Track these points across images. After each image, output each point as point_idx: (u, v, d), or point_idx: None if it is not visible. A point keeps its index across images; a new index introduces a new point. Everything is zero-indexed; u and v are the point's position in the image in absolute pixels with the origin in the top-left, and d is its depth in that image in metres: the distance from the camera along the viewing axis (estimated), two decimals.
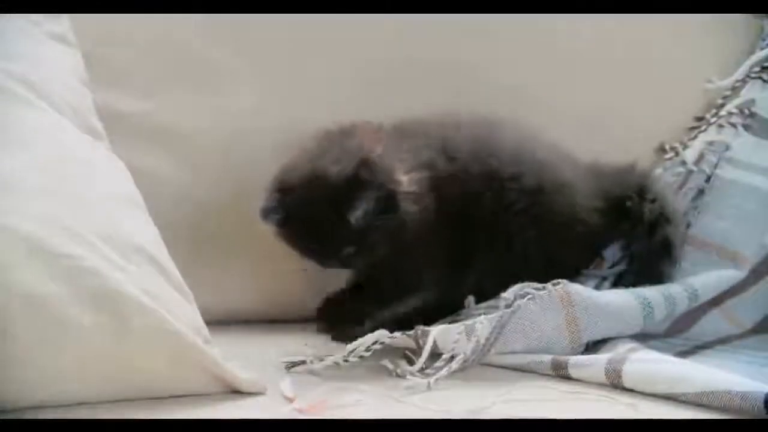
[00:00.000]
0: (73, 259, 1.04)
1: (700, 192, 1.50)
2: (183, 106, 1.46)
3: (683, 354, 1.31)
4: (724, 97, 1.58)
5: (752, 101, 1.56)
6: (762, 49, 1.61)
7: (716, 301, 1.41)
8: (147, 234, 1.16)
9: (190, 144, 1.45)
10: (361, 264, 1.31)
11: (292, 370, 1.18)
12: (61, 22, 1.35)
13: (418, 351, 1.20)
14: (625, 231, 1.41)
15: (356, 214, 1.22)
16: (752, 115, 1.55)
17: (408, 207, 1.27)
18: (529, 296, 1.23)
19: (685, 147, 1.55)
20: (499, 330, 1.21)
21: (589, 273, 1.41)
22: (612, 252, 1.42)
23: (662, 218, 1.40)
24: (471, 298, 1.31)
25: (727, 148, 1.52)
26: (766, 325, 1.44)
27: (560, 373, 1.19)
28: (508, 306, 1.23)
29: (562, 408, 1.08)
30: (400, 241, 1.27)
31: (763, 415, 1.03)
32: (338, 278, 1.38)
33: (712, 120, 1.57)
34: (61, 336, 1.02)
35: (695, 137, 1.56)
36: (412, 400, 1.08)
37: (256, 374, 1.12)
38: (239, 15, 1.47)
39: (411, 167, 1.29)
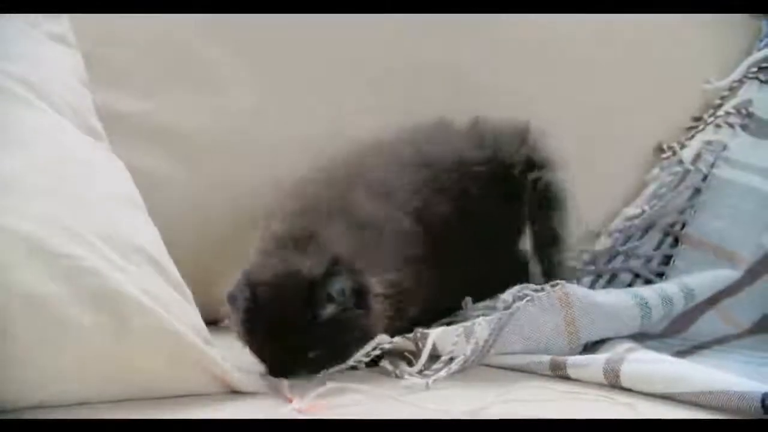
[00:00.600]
0: (73, 259, 1.05)
1: (697, 191, 1.50)
2: (183, 106, 1.46)
3: (681, 354, 1.31)
4: (722, 98, 1.59)
5: (749, 101, 1.56)
6: (760, 49, 1.61)
7: (713, 300, 1.42)
8: (147, 234, 1.16)
9: (190, 144, 1.45)
10: (326, 369, 1.18)
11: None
12: (61, 23, 1.35)
13: (417, 353, 1.20)
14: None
15: (326, 312, 1.16)
16: (749, 115, 1.55)
17: (377, 306, 1.21)
18: (528, 298, 1.23)
19: (683, 146, 1.55)
20: (497, 332, 1.21)
21: (584, 269, 1.41)
22: None
23: (547, 203, 1.35)
24: (468, 299, 1.31)
25: (725, 147, 1.53)
26: (763, 325, 1.44)
27: (559, 373, 1.19)
28: (506, 308, 1.23)
29: (560, 408, 1.08)
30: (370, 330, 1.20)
31: (760, 415, 1.03)
32: None
33: (710, 120, 1.57)
34: (60, 336, 1.02)
35: (693, 137, 1.56)
36: (411, 400, 1.08)
37: (255, 374, 1.12)
38: (239, 15, 1.47)
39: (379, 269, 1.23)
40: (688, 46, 1.63)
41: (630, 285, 1.45)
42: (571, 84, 1.57)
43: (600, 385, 1.15)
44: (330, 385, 1.09)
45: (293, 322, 1.16)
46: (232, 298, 1.18)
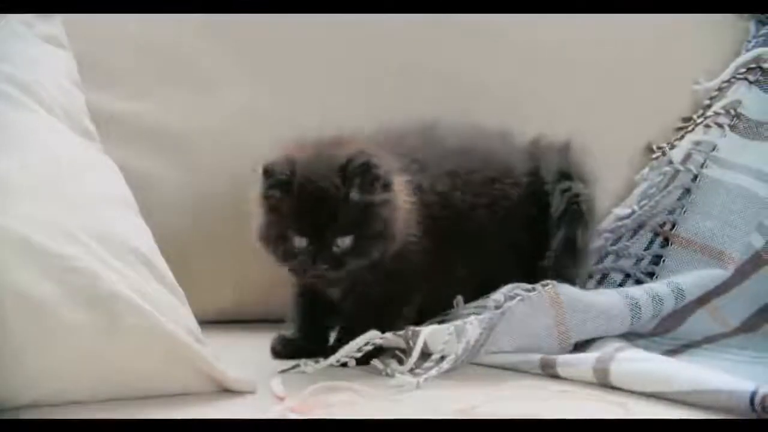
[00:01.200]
0: (66, 259, 1.05)
1: (687, 191, 1.51)
2: (175, 107, 1.46)
3: (671, 353, 1.32)
4: (711, 98, 1.59)
5: (738, 102, 1.56)
6: (748, 50, 1.61)
7: (702, 300, 1.42)
8: (139, 235, 1.17)
9: (183, 144, 1.46)
10: (346, 267, 1.23)
11: (285, 373, 1.19)
12: (54, 24, 1.36)
13: (408, 351, 1.20)
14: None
15: (356, 195, 1.21)
16: (738, 115, 1.56)
17: (400, 203, 1.25)
18: (519, 297, 1.24)
19: (672, 147, 1.56)
20: (488, 331, 1.21)
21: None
22: None
23: (570, 213, 1.34)
24: (460, 298, 1.31)
25: (714, 148, 1.53)
26: (752, 324, 1.45)
27: (549, 372, 1.19)
28: (497, 307, 1.23)
29: (551, 407, 1.08)
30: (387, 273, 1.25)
31: (749, 414, 1.04)
32: None
33: (699, 120, 1.57)
34: (53, 335, 1.02)
35: (682, 137, 1.57)
36: (402, 399, 1.09)
37: (248, 374, 1.12)
38: (231, 15, 1.47)
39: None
40: (678, 46, 1.63)
41: (620, 285, 1.45)
42: (560, 84, 1.58)
43: (590, 384, 1.15)
44: (322, 383, 1.09)
45: (328, 194, 1.20)
46: (269, 172, 1.21)
